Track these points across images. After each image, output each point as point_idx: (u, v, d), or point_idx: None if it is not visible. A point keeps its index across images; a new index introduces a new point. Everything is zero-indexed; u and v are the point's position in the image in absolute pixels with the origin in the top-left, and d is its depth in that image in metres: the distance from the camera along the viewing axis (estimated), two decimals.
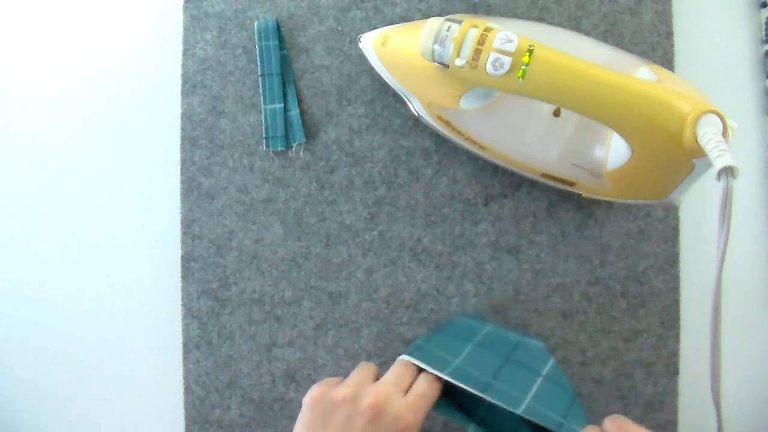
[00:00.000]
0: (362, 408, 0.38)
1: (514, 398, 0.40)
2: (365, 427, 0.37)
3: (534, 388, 0.42)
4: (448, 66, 0.40)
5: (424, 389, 0.40)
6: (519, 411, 0.39)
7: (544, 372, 0.44)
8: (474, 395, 0.40)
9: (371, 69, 0.48)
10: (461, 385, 0.41)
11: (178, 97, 0.51)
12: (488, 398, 0.40)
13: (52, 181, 0.54)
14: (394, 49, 0.45)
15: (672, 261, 0.51)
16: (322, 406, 0.39)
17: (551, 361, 0.45)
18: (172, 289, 0.52)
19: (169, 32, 0.52)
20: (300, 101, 0.51)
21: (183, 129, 0.51)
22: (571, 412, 0.41)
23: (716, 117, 0.36)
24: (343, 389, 0.39)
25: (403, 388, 0.40)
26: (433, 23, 0.41)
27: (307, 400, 0.40)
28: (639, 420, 0.52)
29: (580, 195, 0.49)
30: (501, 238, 0.51)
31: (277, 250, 0.51)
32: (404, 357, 0.43)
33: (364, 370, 0.42)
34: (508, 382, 0.42)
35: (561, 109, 0.45)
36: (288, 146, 0.51)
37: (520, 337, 0.47)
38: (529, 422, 0.41)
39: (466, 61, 0.39)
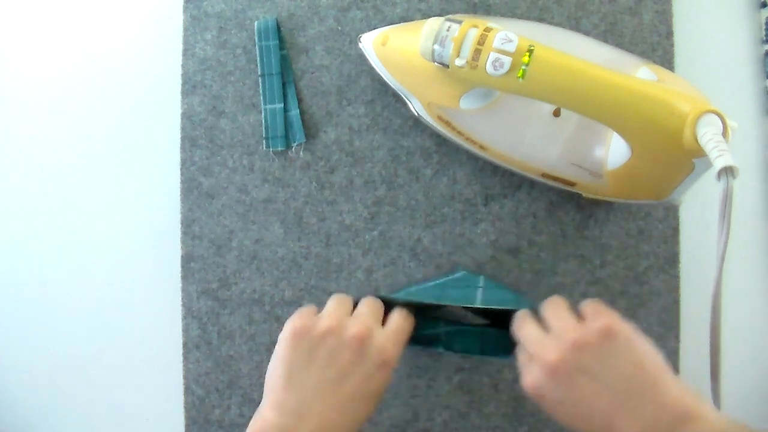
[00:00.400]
0: (347, 339, 0.37)
1: (467, 298, 0.44)
2: (351, 358, 0.37)
3: (479, 292, 0.46)
4: (448, 66, 0.40)
5: (400, 323, 0.40)
6: (477, 303, 0.43)
7: (481, 284, 0.47)
8: (432, 317, 0.44)
9: (371, 69, 0.48)
10: (418, 301, 0.43)
11: (178, 97, 0.51)
12: (445, 302, 0.44)
13: (52, 181, 0.54)
14: (394, 49, 0.45)
15: (672, 261, 0.51)
16: (306, 340, 0.38)
17: (482, 276, 0.49)
18: (172, 289, 0.52)
19: (169, 32, 0.52)
20: (300, 101, 0.51)
21: (183, 129, 0.51)
22: (521, 298, 0.45)
23: (716, 117, 0.36)
24: (325, 321, 0.38)
25: (380, 320, 0.40)
26: (433, 23, 0.41)
27: (287, 335, 0.38)
28: None
29: (580, 195, 0.49)
30: (501, 238, 0.51)
31: (277, 250, 0.51)
32: (369, 296, 0.43)
33: (340, 302, 0.41)
34: (455, 290, 0.46)
35: (561, 109, 0.45)
36: (288, 146, 0.51)
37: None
38: (485, 337, 0.45)
39: (466, 61, 0.39)
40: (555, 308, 0.39)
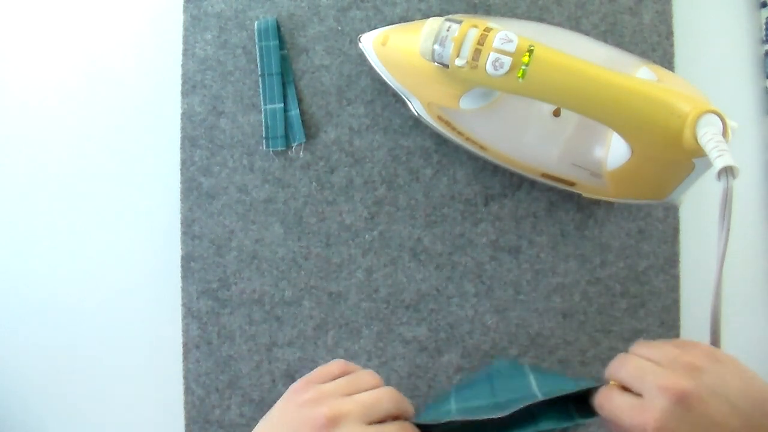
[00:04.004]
0: (314, 413, 0.34)
1: (526, 397, 0.39)
2: None
3: (533, 381, 0.41)
4: (448, 66, 0.40)
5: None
6: (540, 397, 0.38)
7: (528, 371, 0.43)
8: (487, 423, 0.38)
9: (371, 69, 0.48)
10: (476, 418, 0.38)
11: (178, 97, 0.51)
12: (505, 413, 0.37)
13: (52, 181, 0.54)
14: (394, 49, 0.45)
15: (672, 261, 0.51)
16: (291, 402, 0.36)
17: (526, 365, 0.44)
18: (172, 289, 0.52)
19: (169, 32, 0.52)
20: (300, 101, 0.51)
21: (183, 129, 0.51)
22: (578, 380, 0.40)
23: (716, 117, 0.36)
24: (316, 391, 0.36)
25: (371, 418, 0.36)
26: (433, 23, 0.41)
27: (287, 391, 0.37)
28: None
29: (580, 195, 0.49)
30: (501, 238, 0.51)
31: (277, 250, 0.51)
32: (393, 390, 0.38)
33: (354, 381, 0.37)
34: (508, 391, 0.40)
35: (561, 109, 0.45)
36: (288, 146, 0.51)
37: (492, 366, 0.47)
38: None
39: (466, 61, 0.39)
40: (647, 346, 0.36)
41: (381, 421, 0.35)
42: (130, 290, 0.54)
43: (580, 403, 0.38)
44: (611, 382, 0.36)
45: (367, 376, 0.38)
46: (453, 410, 0.40)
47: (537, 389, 0.39)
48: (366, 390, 0.37)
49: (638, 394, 0.34)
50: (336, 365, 0.38)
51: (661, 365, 0.34)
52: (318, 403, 0.35)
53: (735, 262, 0.48)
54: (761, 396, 0.33)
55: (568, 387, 0.38)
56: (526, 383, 0.41)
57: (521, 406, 0.37)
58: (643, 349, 0.37)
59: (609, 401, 0.35)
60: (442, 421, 0.38)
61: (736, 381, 0.33)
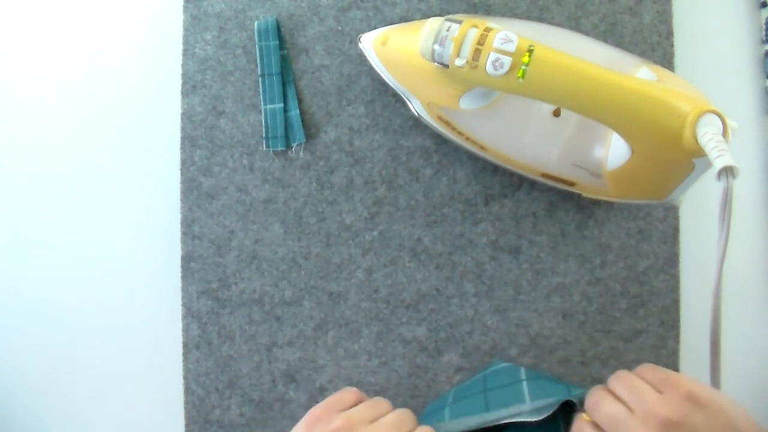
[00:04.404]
0: None
1: (515, 397, 0.40)
2: None
3: (525, 389, 0.43)
4: (448, 66, 0.40)
5: None
6: (527, 406, 0.39)
7: (523, 376, 0.44)
8: None
9: (371, 69, 0.48)
10: (469, 424, 0.40)
11: (178, 97, 0.51)
12: (498, 416, 0.39)
13: (52, 180, 0.54)
14: (394, 49, 0.45)
15: (672, 261, 0.51)
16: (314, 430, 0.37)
17: (522, 368, 0.46)
18: (172, 289, 0.52)
19: (169, 32, 0.52)
20: (300, 101, 0.51)
21: (183, 129, 0.51)
22: (571, 388, 0.42)
23: (716, 117, 0.36)
24: (338, 421, 0.37)
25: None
26: (433, 23, 0.41)
27: (304, 420, 0.38)
28: None
29: (580, 195, 0.49)
30: (501, 238, 0.51)
31: (277, 250, 0.51)
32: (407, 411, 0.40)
33: (373, 405, 0.39)
34: (500, 404, 0.42)
35: (561, 109, 0.45)
36: (288, 146, 0.51)
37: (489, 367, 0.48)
38: None
39: (466, 61, 0.39)
40: (627, 382, 0.36)
41: None
42: (130, 290, 0.54)
43: (569, 414, 0.39)
44: (583, 416, 0.37)
45: (382, 401, 0.40)
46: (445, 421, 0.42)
47: (528, 397, 0.41)
48: (385, 414, 0.39)
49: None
50: (351, 393, 0.40)
51: (635, 415, 0.34)
52: (351, 430, 0.36)
53: (735, 262, 0.48)
54: None
55: (559, 395, 0.39)
56: (519, 392, 0.42)
57: (511, 413, 0.39)
58: (622, 387, 0.36)
59: (598, 407, 0.36)
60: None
61: (718, 428, 0.32)
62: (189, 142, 0.51)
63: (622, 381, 0.37)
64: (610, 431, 0.35)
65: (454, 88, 0.43)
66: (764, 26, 0.53)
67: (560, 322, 0.51)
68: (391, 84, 0.47)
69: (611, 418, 0.35)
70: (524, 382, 0.44)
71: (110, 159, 0.53)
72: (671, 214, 0.51)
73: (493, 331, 0.51)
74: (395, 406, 0.42)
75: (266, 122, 0.51)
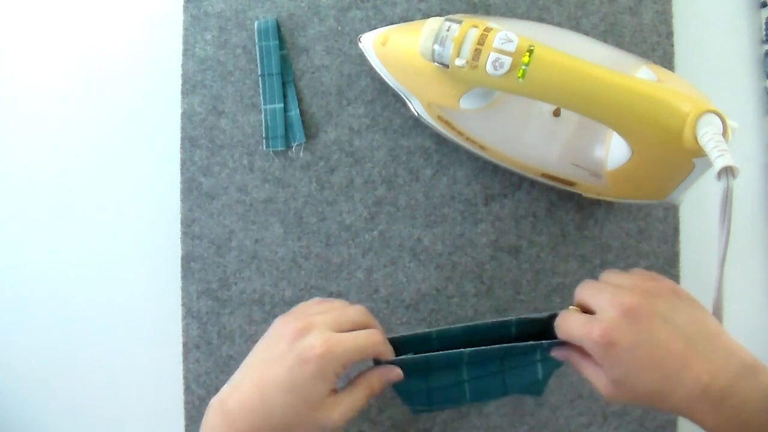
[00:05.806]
0: (287, 330, 0.38)
1: (501, 325, 0.43)
2: (283, 347, 0.38)
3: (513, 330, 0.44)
4: (448, 66, 0.40)
5: (357, 336, 0.39)
6: (513, 318, 0.42)
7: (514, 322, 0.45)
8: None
9: (371, 69, 0.48)
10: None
11: (178, 97, 0.51)
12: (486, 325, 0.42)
13: (52, 180, 0.54)
14: (394, 49, 0.45)
15: (672, 261, 0.51)
16: (275, 329, 0.41)
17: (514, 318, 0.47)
18: (172, 289, 0.52)
19: (169, 32, 0.52)
20: (300, 101, 0.51)
21: (183, 129, 0.51)
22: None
23: (716, 117, 0.36)
24: (293, 316, 0.41)
25: (350, 326, 0.40)
26: (433, 23, 0.41)
27: (274, 322, 0.41)
28: (639, 420, 0.52)
29: (580, 195, 0.49)
30: (501, 238, 0.51)
31: (277, 250, 0.51)
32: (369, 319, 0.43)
33: (335, 307, 0.42)
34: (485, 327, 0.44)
35: (561, 109, 0.46)
36: (288, 146, 0.51)
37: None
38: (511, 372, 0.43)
39: (466, 61, 0.39)
40: (615, 274, 0.40)
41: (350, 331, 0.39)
42: (130, 290, 0.54)
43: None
44: (571, 307, 0.39)
45: (337, 301, 0.43)
46: (432, 333, 0.44)
47: (512, 324, 0.43)
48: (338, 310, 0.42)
49: (593, 313, 0.37)
50: (314, 299, 0.43)
51: (619, 288, 0.37)
52: (294, 320, 0.39)
53: (735, 262, 0.48)
54: (709, 329, 0.35)
55: (541, 316, 0.41)
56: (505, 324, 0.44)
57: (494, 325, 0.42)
58: (611, 275, 0.40)
59: (565, 320, 0.39)
60: (419, 332, 0.43)
61: (688, 311, 0.36)
62: (189, 142, 0.51)
63: (612, 273, 0.40)
64: (592, 302, 0.37)
65: (454, 88, 0.43)
66: (764, 26, 0.53)
67: None
68: (391, 84, 0.47)
69: (595, 289, 0.38)
70: (513, 328, 0.45)
71: (110, 159, 0.53)
72: (671, 214, 0.52)
73: None
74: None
75: (266, 122, 0.51)
